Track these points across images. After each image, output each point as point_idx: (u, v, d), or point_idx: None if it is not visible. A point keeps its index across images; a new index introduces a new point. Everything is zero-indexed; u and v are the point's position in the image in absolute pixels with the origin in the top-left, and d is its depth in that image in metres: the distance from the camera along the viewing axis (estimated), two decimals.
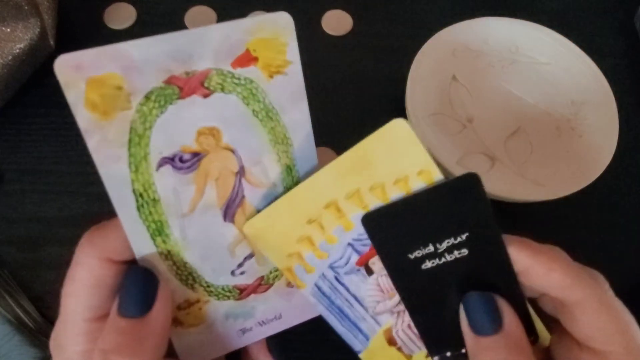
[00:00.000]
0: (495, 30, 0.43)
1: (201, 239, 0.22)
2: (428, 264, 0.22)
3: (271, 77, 0.22)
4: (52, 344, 0.22)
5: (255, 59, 0.21)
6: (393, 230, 0.22)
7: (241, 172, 0.22)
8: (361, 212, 0.22)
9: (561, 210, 0.38)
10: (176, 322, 0.23)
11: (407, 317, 0.24)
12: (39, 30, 0.39)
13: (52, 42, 0.41)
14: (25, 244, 0.37)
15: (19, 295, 0.35)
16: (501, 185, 0.37)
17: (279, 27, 0.21)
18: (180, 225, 0.22)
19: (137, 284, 0.21)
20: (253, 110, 0.22)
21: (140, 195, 0.21)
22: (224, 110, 0.21)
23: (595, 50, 0.41)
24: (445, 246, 0.22)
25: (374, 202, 0.22)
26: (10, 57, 0.38)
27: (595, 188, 0.36)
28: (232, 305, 0.24)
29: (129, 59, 0.19)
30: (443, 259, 0.22)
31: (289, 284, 0.25)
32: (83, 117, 0.19)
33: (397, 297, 0.23)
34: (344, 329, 0.24)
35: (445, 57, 0.42)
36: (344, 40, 0.46)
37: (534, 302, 0.23)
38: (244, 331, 0.25)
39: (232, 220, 0.23)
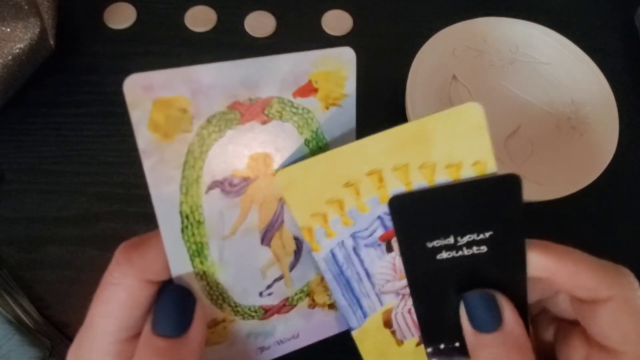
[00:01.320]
0: (495, 30, 0.43)
1: (237, 261, 0.22)
2: (443, 255, 0.22)
3: (327, 108, 0.22)
4: (71, 356, 0.21)
5: (316, 90, 0.21)
6: (418, 217, 0.21)
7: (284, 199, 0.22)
8: (402, 188, 0.21)
9: (561, 210, 0.38)
10: None
11: (410, 302, 0.24)
12: (39, 30, 0.39)
13: (52, 42, 0.41)
14: (25, 244, 0.37)
15: (19, 295, 0.35)
16: None
17: (343, 61, 0.22)
18: (219, 247, 0.22)
19: (175, 303, 0.21)
20: (305, 139, 0.22)
21: (187, 217, 0.21)
22: (278, 138, 0.21)
23: (595, 50, 0.41)
24: (465, 240, 0.22)
25: (419, 181, 0.21)
26: (10, 57, 0.38)
27: (595, 188, 0.36)
28: (255, 324, 0.24)
29: (198, 82, 0.19)
30: (460, 253, 0.22)
31: (310, 305, 0.25)
32: (144, 137, 0.19)
33: (404, 280, 0.23)
34: (345, 302, 0.24)
35: (445, 57, 0.42)
36: (344, 40, 0.46)
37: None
38: (262, 349, 0.25)
39: (268, 244, 0.23)
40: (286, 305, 0.24)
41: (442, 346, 0.24)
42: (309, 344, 0.26)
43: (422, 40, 0.40)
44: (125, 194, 0.39)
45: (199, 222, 0.21)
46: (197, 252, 0.21)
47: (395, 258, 0.23)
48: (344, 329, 0.26)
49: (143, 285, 0.20)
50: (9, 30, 0.38)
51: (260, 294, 0.24)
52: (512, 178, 0.21)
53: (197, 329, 0.21)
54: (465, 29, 0.42)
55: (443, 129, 0.21)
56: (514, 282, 0.22)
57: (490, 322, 0.21)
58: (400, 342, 0.25)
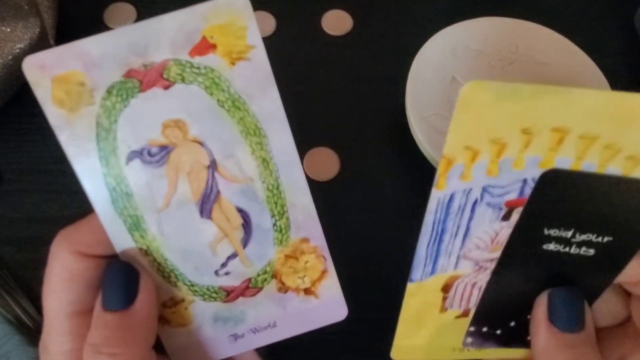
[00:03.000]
0: (495, 30, 0.43)
1: (179, 236, 0.22)
2: (551, 246, 0.21)
3: (233, 64, 0.21)
4: (40, 346, 0.22)
5: (214, 46, 0.20)
6: (560, 200, 0.20)
7: (213, 166, 0.22)
8: (570, 160, 0.20)
9: None
10: (163, 320, 0.23)
11: (481, 277, 0.23)
12: (39, 30, 0.39)
13: (52, 42, 0.41)
14: (25, 244, 0.37)
15: (19, 295, 0.35)
16: None
17: (236, 10, 0.20)
18: (156, 220, 0.22)
19: (117, 278, 0.21)
20: (218, 100, 0.21)
21: (114, 189, 0.21)
22: (187, 102, 0.21)
23: (595, 50, 0.41)
24: (581, 239, 0.21)
25: (590, 161, 0.20)
26: (10, 57, 0.38)
27: None
28: (220, 307, 0.24)
29: (88, 55, 0.20)
30: (566, 249, 0.21)
31: (280, 289, 0.24)
32: (52, 113, 0.20)
33: (495, 254, 0.22)
34: (424, 253, 0.23)
35: (445, 57, 0.42)
36: (344, 40, 0.46)
37: None
38: (235, 337, 0.24)
39: (209, 217, 0.22)
40: (250, 288, 0.24)
41: (484, 329, 0.24)
42: (291, 336, 0.25)
43: (422, 40, 0.40)
44: None
45: (127, 194, 0.21)
46: (135, 225, 0.22)
47: (503, 228, 0.22)
48: (329, 322, 0.25)
49: (77, 258, 0.21)
50: (9, 30, 0.38)
51: (216, 273, 0.23)
52: None
53: (143, 301, 0.21)
54: (465, 29, 0.42)
55: None
56: (595, 284, 0.22)
57: (575, 322, 0.21)
58: (444, 310, 0.24)
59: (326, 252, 0.24)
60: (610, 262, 0.22)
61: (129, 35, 0.20)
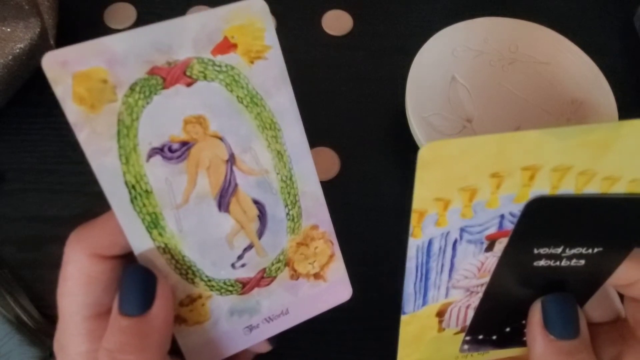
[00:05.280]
0: (495, 30, 0.43)
1: (198, 231, 0.22)
2: (542, 262, 0.21)
3: (252, 62, 0.22)
4: (56, 345, 0.22)
5: (235, 46, 0.21)
6: (547, 223, 0.21)
7: (232, 160, 0.22)
8: (546, 191, 0.20)
9: None
10: (180, 319, 0.23)
11: (473, 299, 0.23)
12: (39, 30, 0.39)
13: (52, 42, 0.41)
14: (26, 244, 0.37)
15: (19, 294, 0.35)
16: None
17: (254, 13, 0.21)
18: (175, 217, 0.22)
19: (135, 283, 0.21)
20: (237, 97, 0.22)
21: (133, 187, 0.21)
22: (208, 98, 0.21)
23: (595, 50, 0.41)
24: (572, 252, 0.21)
25: (567, 187, 0.20)
26: (10, 57, 0.38)
27: None
28: (236, 300, 0.24)
29: (111, 52, 0.20)
30: (557, 263, 0.21)
31: (292, 276, 0.25)
32: (72, 111, 0.20)
33: (484, 279, 0.23)
34: (412, 290, 0.23)
35: (445, 57, 0.42)
36: (344, 40, 0.46)
37: None
38: (250, 329, 0.25)
39: (227, 210, 0.23)
40: (265, 277, 0.24)
41: (480, 337, 0.24)
42: (302, 321, 0.25)
43: (422, 40, 0.40)
44: None
45: (146, 191, 0.21)
46: (153, 223, 0.22)
47: (488, 258, 0.22)
48: (336, 303, 0.26)
49: (93, 261, 0.21)
50: (9, 30, 0.38)
51: (233, 266, 0.23)
52: None
53: (160, 307, 0.21)
54: (465, 29, 0.42)
55: (627, 138, 0.19)
56: (585, 289, 0.22)
57: (570, 329, 0.21)
58: (441, 330, 0.24)
59: (333, 237, 0.25)
60: (601, 269, 0.22)
61: (152, 34, 0.20)
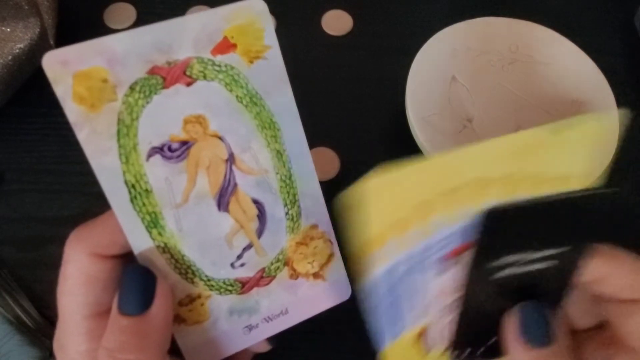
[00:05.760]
0: (495, 30, 0.43)
1: (197, 231, 0.22)
2: (511, 270, 0.21)
3: (251, 62, 0.22)
4: (55, 345, 0.22)
5: (234, 46, 0.22)
6: (508, 230, 0.21)
7: (231, 160, 0.22)
8: (497, 200, 0.20)
9: None
10: (179, 319, 0.23)
11: (452, 315, 0.23)
12: (39, 30, 0.39)
13: (52, 42, 0.41)
14: (25, 244, 0.37)
15: (19, 295, 0.35)
16: None
17: (254, 13, 0.22)
18: (175, 216, 0.22)
19: (134, 282, 0.21)
20: (237, 96, 0.22)
21: (133, 186, 0.21)
22: (208, 98, 0.22)
23: (595, 50, 0.41)
24: (539, 255, 0.21)
25: (519, 193, 0.20)
26: (10, 57, 0.38)
27: None
28: (235, 300, 0.24)
29: (112, 51, 0.20)
30: (527, 267, 0.21)
31: (291, 276, 0.25)
32: (72, 110, 0.20)
33: (457, 294, 0.23)
34: (382, 324, 0.23)
35: (445, 57, 0.42)
36: (344, 40, 0.46)
37: None
38: (250, 328, 0.25)
39: (226, 210, 0.23)
40: (264, 277, 0.24)
41: (468, 351, 0.24)
42: (301, 320, 0.25)
43: (422, 40, 0.40)
44: None
45: (146, 190, 0.21)
46: (153, 222, 0.22)
47: (455, 274, 0.22)
48: (336, 302, 0.26)
49: (93, 260, 0.21)
50: (9, 30, 0.38)
51: (232, 266, 0.23)
52: (614, 194, 0.20)
53: (159, 306, 0.21)
54: (465, 29, 0.42)
55: (559, 139, 0.20)
56: (557, 291, 0.22)
57: (545, 336, 0.21)
58: (427, 353, 0.24)
59: (332, 236, 0.25)
60: (568, 268, 0.22)
61: (153, 34, 0.20)
